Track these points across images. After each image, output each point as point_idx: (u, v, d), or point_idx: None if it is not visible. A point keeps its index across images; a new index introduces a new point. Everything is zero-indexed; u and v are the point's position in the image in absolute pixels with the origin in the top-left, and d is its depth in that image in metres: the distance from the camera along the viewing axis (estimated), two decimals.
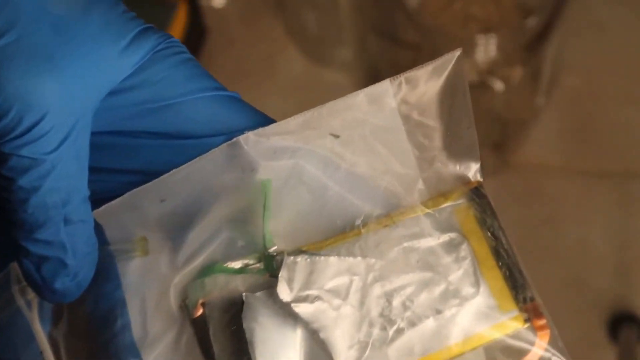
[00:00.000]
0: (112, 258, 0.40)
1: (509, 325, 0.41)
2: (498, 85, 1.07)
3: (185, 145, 0.40)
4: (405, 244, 0.41)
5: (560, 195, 1.14)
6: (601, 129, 1.16)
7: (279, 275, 0.40)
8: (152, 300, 0.40)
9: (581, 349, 1.09)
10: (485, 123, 1.11)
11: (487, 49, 1.03)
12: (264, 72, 1.22)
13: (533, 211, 1.13)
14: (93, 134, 0.38)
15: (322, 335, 0.40)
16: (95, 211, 0.39)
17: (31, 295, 0.39)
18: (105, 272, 0.40)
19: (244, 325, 0.39)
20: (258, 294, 0.40)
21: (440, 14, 1.06)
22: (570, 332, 1.09)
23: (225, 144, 0.39)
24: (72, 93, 0.36)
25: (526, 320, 0.41)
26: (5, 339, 0.40)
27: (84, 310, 0.40)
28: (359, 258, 0.41)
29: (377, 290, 0.41)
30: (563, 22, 1.06)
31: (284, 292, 0.40)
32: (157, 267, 0.40)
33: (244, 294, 0.39)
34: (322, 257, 0.40)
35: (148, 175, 0.40)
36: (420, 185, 0.42)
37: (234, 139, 0.39)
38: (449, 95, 0.41)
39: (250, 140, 0.39)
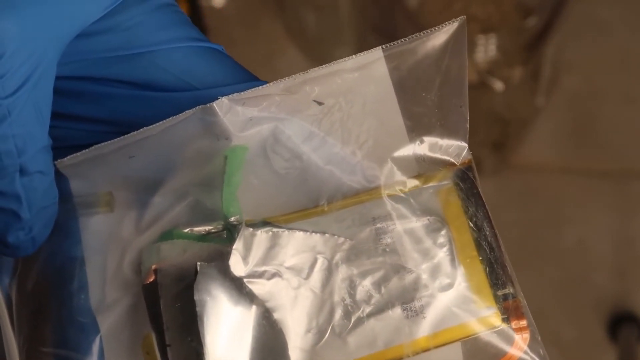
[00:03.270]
0: (74, 212, 0.37)
1: (484, 322, 0.37)
2: (498, 85, 1.07)
3: (156, 98, 0.38)
4: (378, 225, 0.38)
5: (560, 195, 1.14)
6: (601, 129, 1.16)
7: (233, 248, 0.36)
8: (112, 263, 0.37)
9: (581, 349, 1.09)
10: (485, 123, 1.10)
11: (487, 49, 1.03)
12: (264, 72, 1.21)
13: (533, 211, 1.13)
14: (59, 78, 0.36)
15: (276, 315, 0.36)
16: (58, 161, 0.37)
17: None
18: (65, 227, 0.37)
19: (195, 297, 0.36)
20: (213, 264, 0.36)
21: (440, 14, 1.06)
22: (570, 332, 1.09)
23: (199, 107, 0.37)
24: (32, 35, 0.33)
25: (504, 320, 0.38)
26: None
27: (39, 266, 0.38)
28: (327, 235, 0.37)
29: (342, 272, 0.37)
30: (563, 22, 1.06)
31: (237, 267, 0.36)
32: (121, 226, 0.38)
33: (198, 263, 0.36)
34: (286, 231, 0.37)
35: (115, 125, 0.37)
36: (405, 160, 0.39)
37: (208, 105, 0.37)
38: (445, 67, 0.38)
39: (225, 106, 0.37)
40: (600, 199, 1.13)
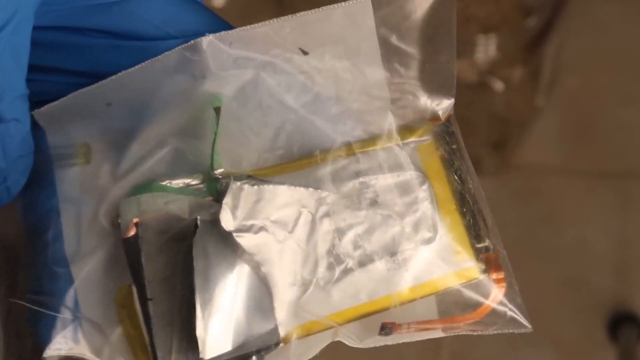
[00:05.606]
0: (50, 164, 0.37)
1: (464, 274, 0.38)
2: (498, 85, 1.07)
3: (136, 47, 0.37)
4: (361, 179, 0.38)
5: (560, 195, 1.14)
6: (601, 129, 1.16)
7: (223, 202, 0.36)
8: (88, 213, 0.37)
9: (581, 349, 1.09)
10: (485, 123, 1.11)
11: (487, 49, 1.03)
12: None
13: (533, 211, 1.13)
14: (37, 29, 0.35)
15: (263, 269, 0.36)
16: (35, 111, 0.36)
17: None
18: (41, 178, 0.37)
19: (194, 252, 0.35)
20: (208, 219, 0.36)
21: None
22: (570, 332, 1.09)
23: (181, 46, 0.36)
24: None
25: (483, 272, 0.38)
26: None
27: (15, 218, 0.37)
28: (311, 189, 0.37)
29: (326, 225, 0.37)
30: (563, 22, 1.06)
31: (227, 221, 0.36)
32: (97, 177, 0.37)
33: (198, 217, 0.36)
34: (271, 185, 0.37)
35: (94, 77, 0.37)
36: (387, 116, 0.39)
37: (193, 41, 0.36)
38: (433, 23, 0.38)
39: (211, 44, 0.36)
40: (600, 199, 1.13)
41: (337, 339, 0.38)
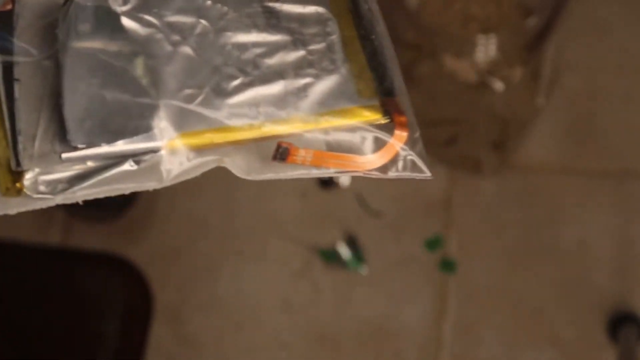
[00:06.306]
0: None
1: (365, 113, 0.37)
2: (498, 85, 1.07)
3: None
4: (265, 3, 0.37)
5: (560, 195, 1.14)
6: (601, 129, 1.16)
7: None
8: None
9: (581, 349, 1.09)
10: (485, 123, 1.11)
11: (487, 49, 1.03)
12: None
13: (533, 211, 1.13)
14: None
15: (150, 62, 0.34)
16: None
17: None
18: None
19: (60, 27, 0.33)
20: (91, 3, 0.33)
21: (440, 14, 1.06)
22: (570, 332, 1.09)
23: None
24: None
25: (385, 114, 0.37)
26: None
27: None
28: (209, 2, 0.36)
29: (225, 39, 0.36)
30: (563, 22, 1.06)
31: (115, 1, 0.34)
32: None
33: None
34: None
35: None
36: None
37: None
38: None
39: None
40: (600, 199, 1.13)
41: (223, 165, 0.35)
